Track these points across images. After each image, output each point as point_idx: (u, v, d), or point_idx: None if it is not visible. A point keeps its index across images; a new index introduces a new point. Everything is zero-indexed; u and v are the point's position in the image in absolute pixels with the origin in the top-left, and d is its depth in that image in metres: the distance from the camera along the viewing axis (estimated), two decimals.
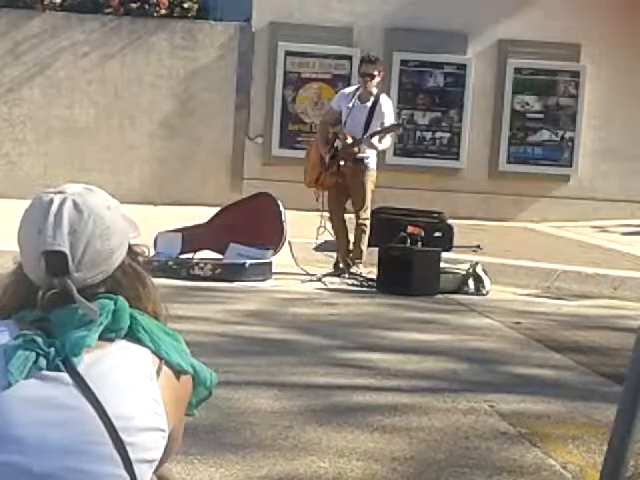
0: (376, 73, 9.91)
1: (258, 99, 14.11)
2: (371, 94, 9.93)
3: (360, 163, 9.84)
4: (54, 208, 1.98)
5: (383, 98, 10.03)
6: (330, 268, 9.89)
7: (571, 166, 14.36)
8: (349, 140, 9.75)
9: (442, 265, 9.35)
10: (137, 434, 1.91)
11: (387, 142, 10.04)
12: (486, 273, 9.47)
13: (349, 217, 10.09)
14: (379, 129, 9.76)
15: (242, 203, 10.55)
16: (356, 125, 9.79)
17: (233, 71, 14.10)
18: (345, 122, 9.86)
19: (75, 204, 1.99)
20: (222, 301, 8.31)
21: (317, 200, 9.86)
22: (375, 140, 9.73)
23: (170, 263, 9.42)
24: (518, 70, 14.20)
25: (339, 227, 10.00)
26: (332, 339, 7.00)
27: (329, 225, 10.03)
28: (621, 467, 3.28)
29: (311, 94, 14.03)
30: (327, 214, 10.01)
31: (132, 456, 1.90)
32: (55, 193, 2.01)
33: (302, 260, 10.39)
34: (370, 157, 9.92)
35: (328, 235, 10.12)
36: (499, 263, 10.28)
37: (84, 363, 1.93)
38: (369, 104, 9.88)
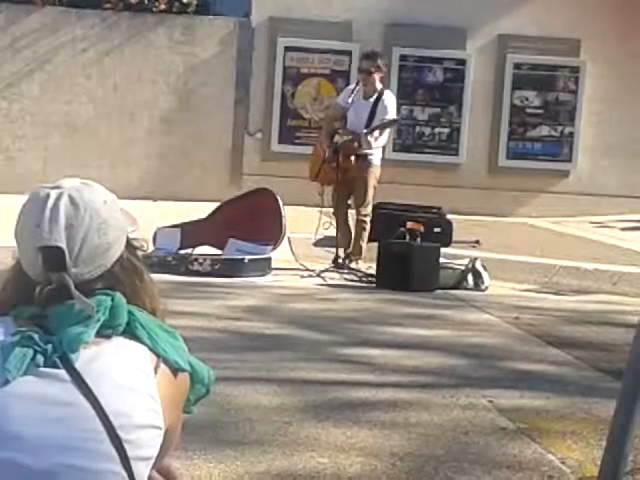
0: (373, 70, 9.90)
1: (257, 94, 14.11)
2: (375, 90, 9.93)
3: (364, 159, 9.85)
4: (50, 203, 1.97)
5: (386, 94, 10.04)
6: (329, 264, 9.89)
7: (570, 161, 14.37)
8: (349, 136, 9.75)
9: (441, 260, 9.35)
10: (135, 431, 1.91)
11: (384, 139, 10.02)
12: (485, 268, 9.47)
13: (350, 212, 10.11)
14: (376, 125, 9.76)
15: (241, 199, 10.55)
16: (359, 120, 9.80)
17: (232, 66, 14.09)
18: (347, 117, 9.88)
19: (71, 199, 1.99)
20: (221, 297, 8.31)
21: (320, 195, 9.86)
22: (371, 138, 9.72)
23: (169, 258, 9.42)
24: (518, 65, 14.19)
25: (342, 222, 10.01)
26: (331, 335, 7.01)
27: (332, 221, 10.06)
28: (620, 462, 3.28)
29: (310, 89, 14.02)
30: (327, 209, 10.02)
31: (129, 453, 1.90)
32: (51, 188, 2.01)
33: (301, 256, 10.40)
34: (374, 153, 9.92)
35: (328, 231, 10.13)
36: (498, 258, 10.29)
37: (81, 360, 1.93)
38: (372, 100, 9.89)
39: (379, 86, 10.00)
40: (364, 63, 10.08)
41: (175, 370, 2.02)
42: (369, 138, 9.71)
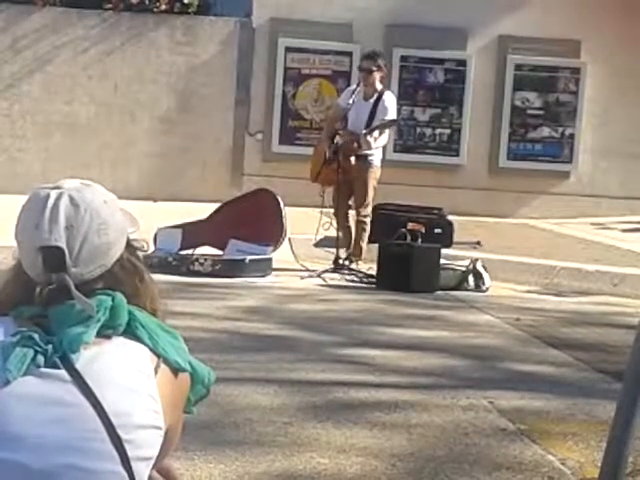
0: (374, 69, 9.91)
1: (258, 95, 14.11)
2: (376, 91, 9.94)
3: (364, 160, 9.85)
4: (50, 203, 1.98)
5: (387, 94, 10.04)
6: (330, 264, 9.88)
7: (571, 163, 14.37)
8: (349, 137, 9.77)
9: (442, 261, 9.34)
10: (135, 431, 1.91)
11: (384, 139, 10.02)
12: (486, 269, 9.47)
13: (350, 213, 10.11)
14: (375, 125, 9.76)
15: (242, 199, 10.55)
16: (359, 121, 9.81)
17: (233, 67, 14.09)
18: (348, 118, 9.89)
19: (71, 199, 1.99)
20: (222, 297, 8.31)
21: (320, 196, 9.86)
22: (370, 138, 9.72)
23: (170, 259, 9.42)
24: (518, 66, 14.20)
25: (342, 223, 10.01)
26: (331, 335, 7.00)
27: (333, 221, 10.07)
28: (620, 463, 3.28)
29: (311, 90, 14.03)
30: (327, 210, 10.03)
31: (130, 453, 1.90)
32: (52, 188, 2.01)
33: (302, 256, 10.40)
34: (374, 154, 9.93)
35: (329, 231, 10.13)
36: (499, 259, 10.28)
37: (82, 360, 1.93)
38: (372, 100, 9.90)
39: (379, 86, 10.01)
40: (364, 63, 10.10)
41: (175, 370, 2.03)
42: (369, 138, 9.71)
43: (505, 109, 14.23)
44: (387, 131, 10.14)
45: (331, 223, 10.06)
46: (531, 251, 10.99)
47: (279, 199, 9.98)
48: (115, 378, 1.93)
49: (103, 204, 2.02)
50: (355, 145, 9.76)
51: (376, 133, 9.78)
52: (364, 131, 9.71)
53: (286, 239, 10.13)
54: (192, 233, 9.98)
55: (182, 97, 14.08)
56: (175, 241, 9.84)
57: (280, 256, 9.91)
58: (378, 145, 9.93)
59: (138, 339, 2.00)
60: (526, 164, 14.24)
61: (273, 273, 9.58)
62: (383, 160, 10.29)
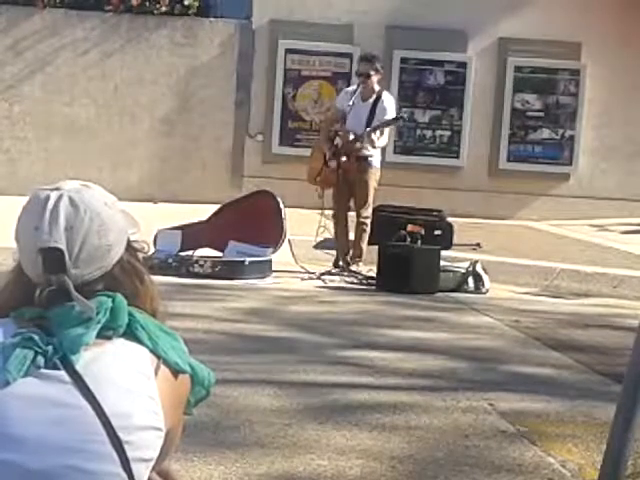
0: (372, 72, 9.92)
1: (258, 97, 14.11)
2: (373, 92, 9.95)
3: (364, 161, 9.85)
4: (50, 205, 1.97)
5: (385, 95, 10.05)
6: (330, 266, 9.89)
7: (571, 164, 14.36)
8: (351, 137, 9.75)
9: (442, 263, 9.35)
10: (135, 432, 1.91)
11: (384, 140, 10.02)
12: (486, 271, 9.47)
13: (350, 215, 10.10)
14: (378, 123, 9.76)
15: (242, 201, 10.55)
16: (358, 122, 9.80)
17: (233, 69, 14.10)
18: (347, 119, 9.88)
19: (71, 200, 1.99)
20: (221, 299, 8.32)
21: (319, 197, 9.86)
22: (374, 136, 9.72)
23: (170, 261, 9.42)
24: (518, 68, 14.19)
25: (341, 225, 10.00)
26: (331, 337, 7.01)
27: (330, 224, 10.05)
28: (620, 465, 3.29)
29: (311, 92, 14.03)
30: (328, 212, 10.03)
31: (130, 455, 1.90)
32: (51, 190, 2.01)
33: (302, 258, 10.40)
34: (374, 155, 9.93)
35: (328, 233, 10.13)
36: (499, 261, 10.29)
37: (82, 361, 1.93)
38: (371, 101, 9.90)
39: (377, 88, 10.01)
40: (362, 66, 10.09)
41: (175, 372, 2.02)
42: (372, 136, 9.71)
43: (505, 111, 14.22)
44: (387, 132, 10.14)
45: (325, 227, 10.05)
46: (531, 253, 10.99)
47: (279, 200, 9.98)
48: (115, 379, 1.93)
49: (103, 205, 2.02)
50: (358, 145, 9.74)
51: (378, 133, 9.78)
52: (368, 129, 9.70)
53: (286, 240, 10.13)
54: (192, 235, 9.99)
55: (182, 98, 14.08)
56: (175, 243, 9.84)
57: (280, 258, 9.91)
58: (379, 145, 9.93)
59: (138, 340, 1.99)
60: (526, 166, 14.23)
61: (273, 275, 9.58)
62: (383, 162, 10.28)
